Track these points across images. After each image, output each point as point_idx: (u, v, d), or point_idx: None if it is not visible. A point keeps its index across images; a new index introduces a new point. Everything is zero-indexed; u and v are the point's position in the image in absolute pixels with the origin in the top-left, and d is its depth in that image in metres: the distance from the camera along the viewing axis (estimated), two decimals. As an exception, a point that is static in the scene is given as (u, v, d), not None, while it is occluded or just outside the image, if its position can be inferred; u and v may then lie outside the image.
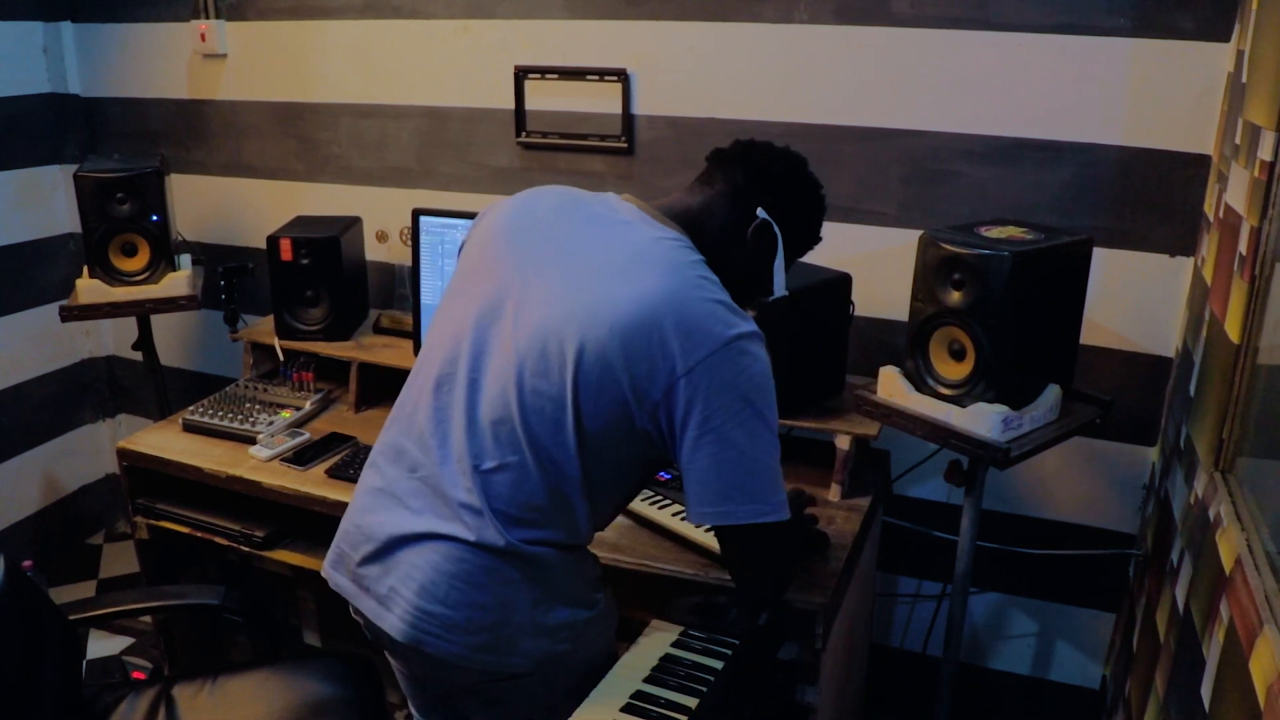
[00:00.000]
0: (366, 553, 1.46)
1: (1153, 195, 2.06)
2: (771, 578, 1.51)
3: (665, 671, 1.47)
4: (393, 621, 1.42)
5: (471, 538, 1.38)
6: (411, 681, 1.64)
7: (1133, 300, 2.13)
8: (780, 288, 1.52)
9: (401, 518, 1.43)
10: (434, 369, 1.45)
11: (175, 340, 3.17)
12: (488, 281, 1.43)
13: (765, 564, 1.46)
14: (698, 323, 1.30)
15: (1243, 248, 1.58)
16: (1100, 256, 2.01)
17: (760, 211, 1.46)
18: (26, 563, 2.78)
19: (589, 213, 1.45)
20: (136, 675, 2.60)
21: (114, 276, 2.51)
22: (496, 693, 1.48)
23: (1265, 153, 1.51)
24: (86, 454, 3.40)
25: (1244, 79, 1.74)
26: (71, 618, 1.85)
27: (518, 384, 1.35)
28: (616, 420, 1.34)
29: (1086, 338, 1.95)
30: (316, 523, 2.11)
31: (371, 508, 1.48)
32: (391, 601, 1.43)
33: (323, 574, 1.57)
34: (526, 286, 1.39)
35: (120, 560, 3.29)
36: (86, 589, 3.15)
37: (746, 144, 1.52)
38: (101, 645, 2.83)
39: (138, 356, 2.76)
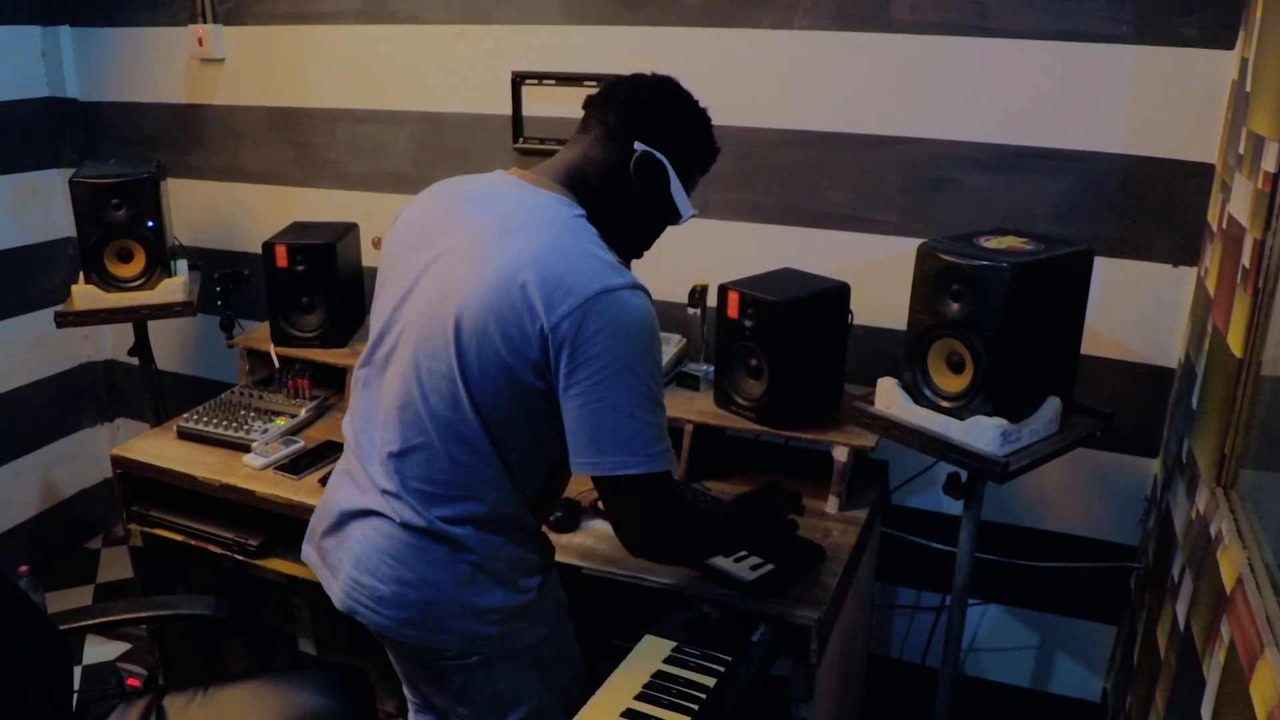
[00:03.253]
0: (325, 526, 1.58)
1: (1155, 204, 2.03)
2: (654, 535, 1.47)
3: (657, 689, 1.45)
4: (336, 591, 1.54)
5: (396, 519, 1.45)
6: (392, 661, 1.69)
7: (1135, 310, 2.11)
8: (685, 210, 1.52)
9: (351, 494, 1.53)
10: (359, 369, 1.56)
11: (172, 345, 3.16)
12: (393, 283, 1.50)
13: (642, 518, 1.44)
14: (560, 279, 1.32)
15: (1245, 260, 1.56)
16: (1102, 266, 1.99)
17: (638, 145, 1.46)
18: (24, 568, 2.77)
19: (470, 194, 1.49)
20: (131, 682, 2.59)
21: (109, 282, 2.50)
22: (438, 671, 1.53)
23: (1269, 164, 1.49)
24: (85, 458, 3.39)
25: (1248, 88, 1.72)
26: (62, 627, 1.84)
27: (414, 367, 1.41)
28: (506, 385, 1.37)
29: (1088, 347, 1.93)
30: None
31: (333, 486, 1.60)
32: (337, 571, 1.54)
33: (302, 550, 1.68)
34: (418, 278, 1.44)
35: (118, 565, 3.27)
36: (84, 594, 3.15)
37: (613, 82, 1.51)
38: (97, 651, 2.82)
39: (136, 361, 2.75)
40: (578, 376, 1.33)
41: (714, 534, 1.67)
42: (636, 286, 1.35)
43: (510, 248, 1.36)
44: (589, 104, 1.52)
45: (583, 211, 1.44)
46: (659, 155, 1.47)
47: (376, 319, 1.53)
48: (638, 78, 1.51)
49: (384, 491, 1.46)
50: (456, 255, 1.41)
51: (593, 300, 1.31)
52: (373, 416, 1.51)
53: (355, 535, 1.50)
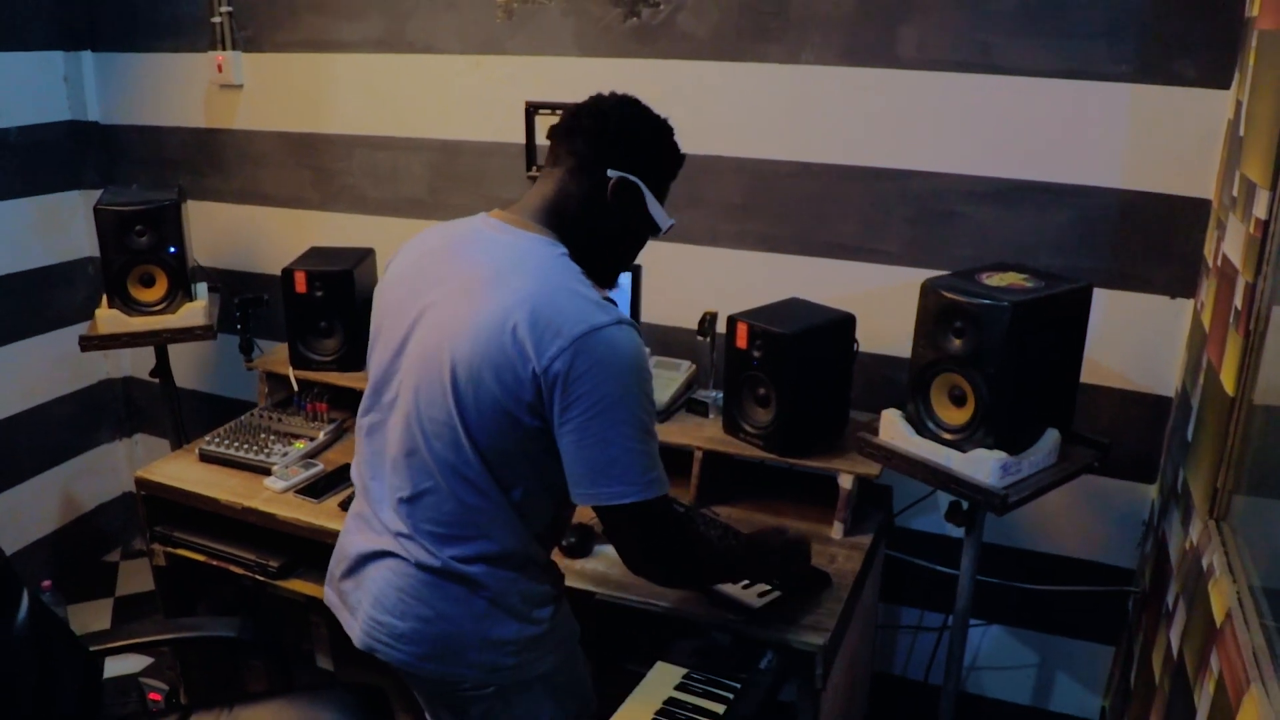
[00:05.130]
0: (342, 569, 1.63)
1: (1153, 238, 2.09)
2: (654, 557, 1.52)
3: (669, 715, 1.51)
4: (355, 631, 1.59)
5: (410, 559, 1.50)
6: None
7: (1133, 340, 2.16)
8: (663, 222, 1.55)
9: (365, 538, 1.58)
10: (363, 417, 1.61)
11: (192, 363, 3.22)
12: (389, 331, 1.54)
13: (641, 542, 1.49)
14: (549, 321, 1.36)
15: (1238, 301, 1.61)
16: (1101, 297, 2.04)
17: (611, 172, 1.48)
18: (46, 583, 2.84)
19: (457, 239, 1.53)
20: (153, 696, 2.65)
21: (132, 307, 2.56)
22: (456, 701, 1.58)
23: (1260, 210, 1.54)
24: (104, 473, 3.46)
25: (1241, 132, 1.77)
26: (93, 649, 1.89)
27: (416, 414, 1.46)
28: (505, 426, 1.41)
29: (1087, 376, 1.98)
30: (330, 554, 2.15)
31: (349, 529, 1.65)
32: (356, 612, 1.59)
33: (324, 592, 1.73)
34: (413, 326, 1.49)
35: (136, 578, 3.35)
36: (103, 607, 3.21)
37: (574, 111, 1.52)
38: (119, 664, 2.88)
39: (152, 377, 2.81)
40: (571, 413, 1.37)
41: (721, 557, 1.74)
42: (622, 322, 1.39)
43: (499, 293, 1.40)
44: (555, 135, 1.54)
45: (565, 250, 1.48)
46: (632, 179, 1.49)
47: (375, 367, 1.57)
48: (598, 102, 1.53)
49: (397, 534, 1.51)
50: (448, 302, 1.45)
51: (580, 339, 1.35)
52: (381, 463, 1.55)
53: (372, 576, 1.55)
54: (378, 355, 1.57)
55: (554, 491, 1.51)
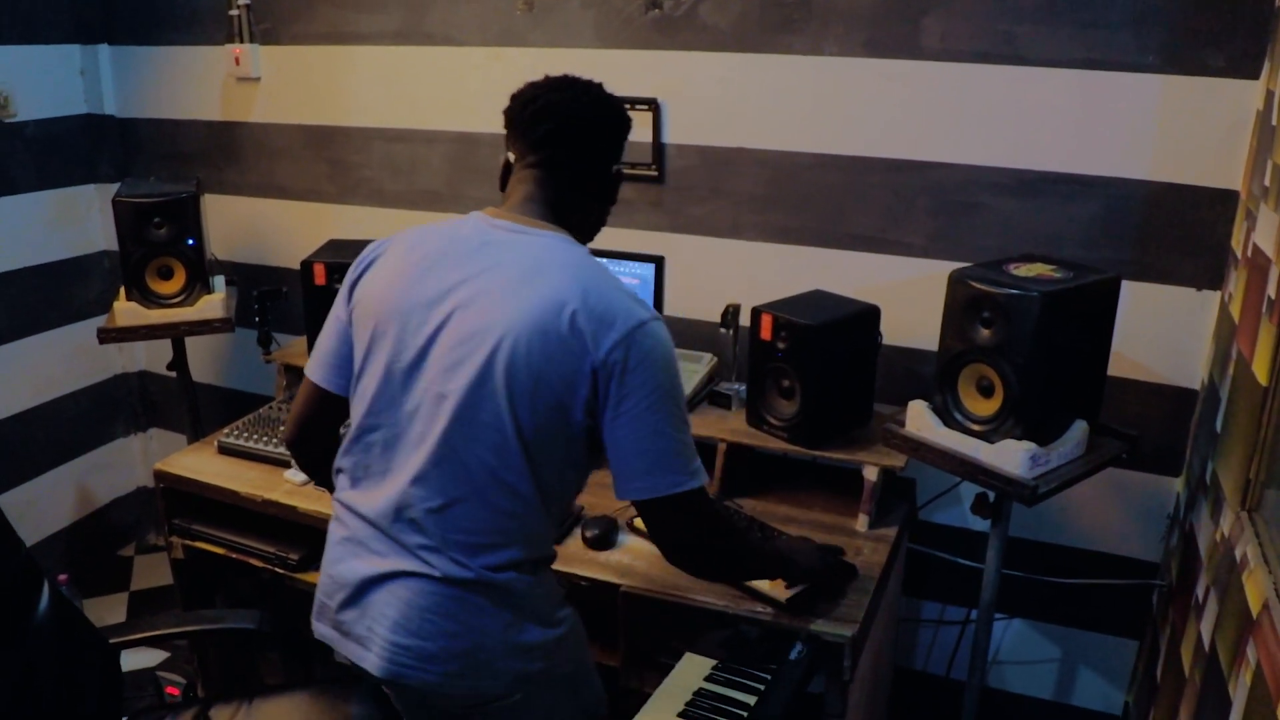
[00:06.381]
0: (341, 599, 1.52)
1: (1180, 229, 2.07)
2: (699, 546, 1.52)
3: (699, 706, 1.51)
4: (372, 660, 1.48)
5: (437, 574, 1.43)
6: (407, 717, 1.65)
7: (1159, 332, 2.14)
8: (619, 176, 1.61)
9: (368, 562, 1.49)
10: (362, 425, 1.50)
11: (208, 357, 3.22)
12: (392, 339, 1.46)
13: (688, 532, 1.49)
14: (602, 314, 1.38)
15: (1271, 291, 1.60)
16: (1127, 289, 2.02)
17: (614, 168, 1.57)
18: (63, 577, 2.83)
19: (467, 241, 1.48)
20: (170, 690, 2.64)
21: (150, 299, 2.56)
22: (482, 717, 1.52)
23: (1295, 199, 1.53)
24: (118, 467, 3.46)
25: (1274, 121, 1.76)
26: (112, 641, 1.89)
27: (453, 420, 1.40)
28: (557, 424, 1.41)
29: (1112, 368, 1.96)
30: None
31: (341, 557, 1.54)
32: (369, 641, 1.48)
33: (312, 627, 1.61)
34: (437, 333, 1.43)
35: (151, 572, 3.35)
36: (118, 601, 3.21)
37: (536, 110, 1.50)
38: (135, 658, 2.87)
39: (169, 371, 2.81)
40: (625, 405, 1.38)
41: (755, 550, 1.73)
42: (658, 317, 1.44)
43: (544, 289, 1.39)
44: (522, 133, 1.53)
45: (587, 249, 1.50)
46: (617, 167, 1.58)
47: (376, 376, 1.47)
48: (573, 107, 1.51)
49: (419, 548, 1.44)
50: (485, 301, 1.41)
51: (632, 332, 1.38)
52: (391, 478, 1.47)
53: (385, 599, 1.46)
54: (378, 363, 1.47)
55: (574, 490, 1.55)
